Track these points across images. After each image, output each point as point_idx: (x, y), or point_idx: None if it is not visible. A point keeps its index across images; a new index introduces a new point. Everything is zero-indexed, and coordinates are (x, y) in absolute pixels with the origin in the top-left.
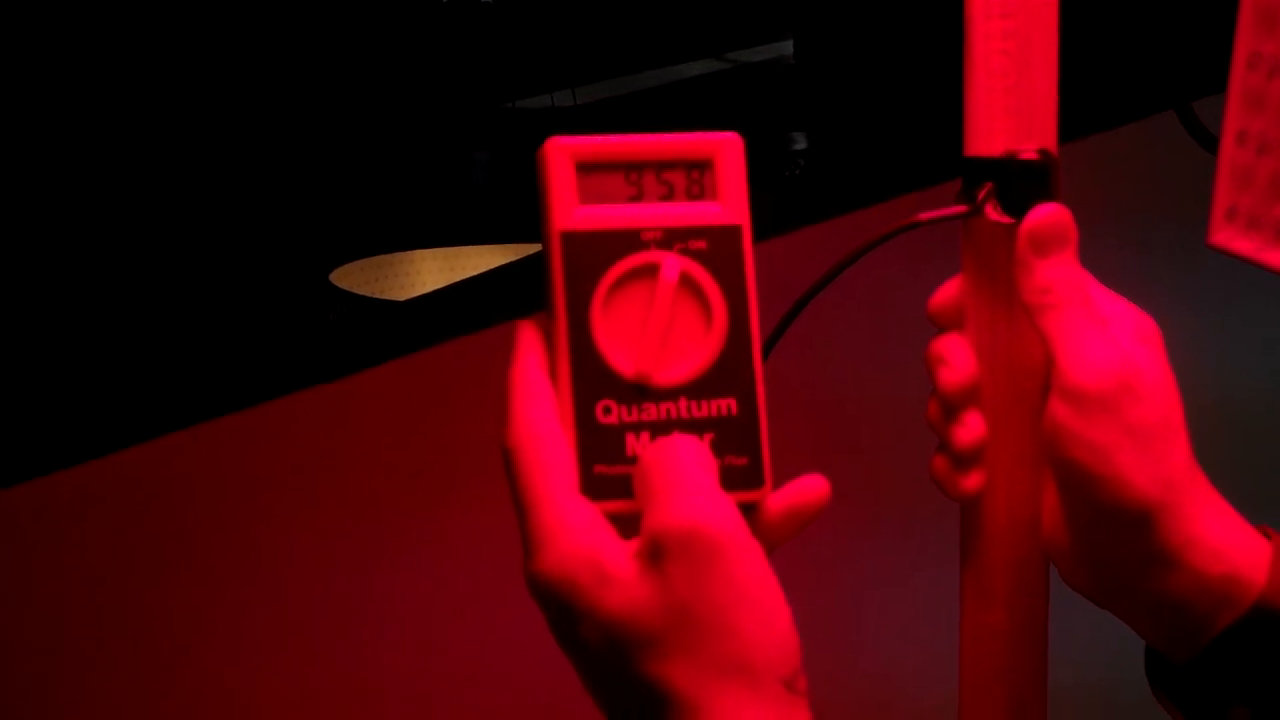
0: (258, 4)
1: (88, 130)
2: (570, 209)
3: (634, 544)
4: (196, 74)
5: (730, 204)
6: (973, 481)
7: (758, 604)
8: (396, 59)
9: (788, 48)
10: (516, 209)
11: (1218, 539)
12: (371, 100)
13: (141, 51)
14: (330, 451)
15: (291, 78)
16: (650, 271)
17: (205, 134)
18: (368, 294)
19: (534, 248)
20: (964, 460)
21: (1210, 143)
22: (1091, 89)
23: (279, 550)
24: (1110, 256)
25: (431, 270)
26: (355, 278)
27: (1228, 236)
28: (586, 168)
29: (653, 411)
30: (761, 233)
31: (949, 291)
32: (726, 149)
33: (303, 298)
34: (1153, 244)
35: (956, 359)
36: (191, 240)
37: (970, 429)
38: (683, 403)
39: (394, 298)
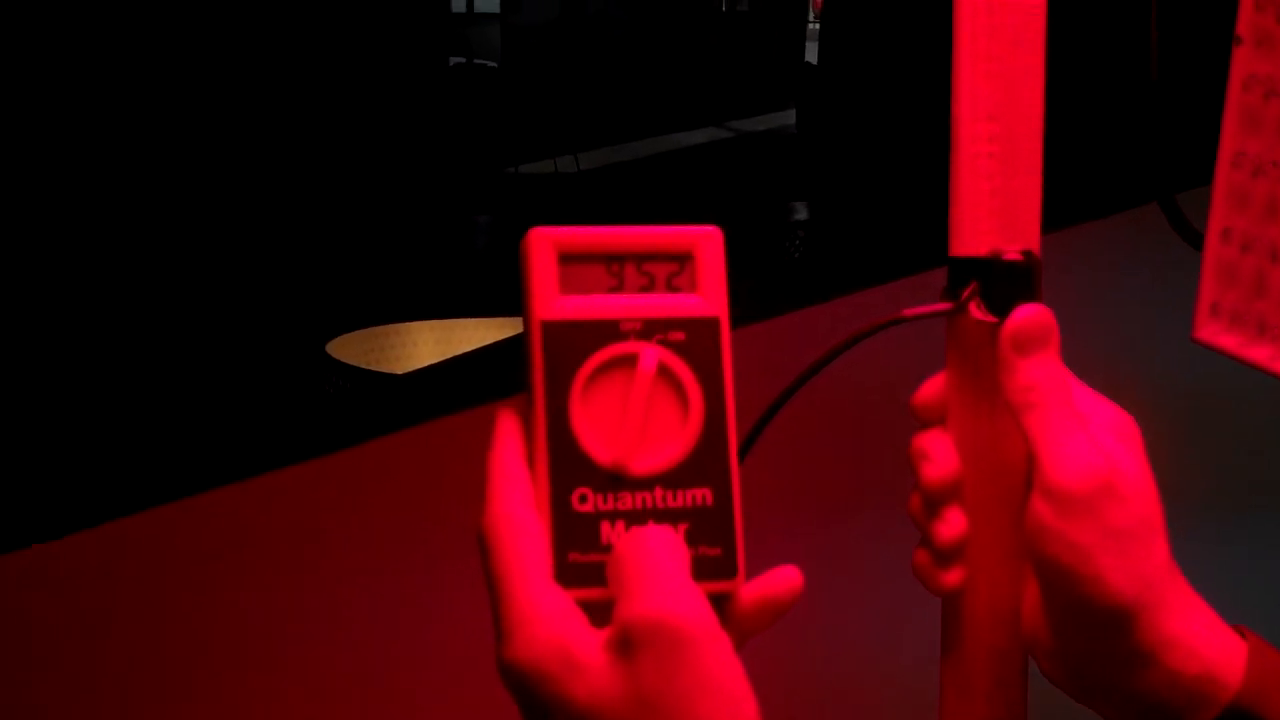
0: (257, 74)
1: (90, 198)
2: (551, 299)
3: (604, 633)
4: (198, 144)
5: (709, 296)
6: (953, 577)
7: (725, 696)
8: (400, 124)
9: (790, 118)
10: (516, 277)
11: (1194, 639)
12: (375, 164)
13: (146, 121)
14: (326, 523)
15: (293, 145)
16: (629, 361)
17: (205, 204)
18: (363, 366)
19: None
20: (945, 555)
21: (1195, 238)
22: (1076, 180)
23: (270, 619)
24: (1093, 350)
25: (428, 342)
26: (352, 349)
27: (1212, 332)
28: (568, 258)
29: (628, 500)
30: (764, 313)
31: (933, 387)
32: (706, 242)
33: (299, 369)
34: (1136, 337)
35: (939, 454)
36: (189, 309)
37: (952, 525)
38: (658, 492)
39: (390, 370)
